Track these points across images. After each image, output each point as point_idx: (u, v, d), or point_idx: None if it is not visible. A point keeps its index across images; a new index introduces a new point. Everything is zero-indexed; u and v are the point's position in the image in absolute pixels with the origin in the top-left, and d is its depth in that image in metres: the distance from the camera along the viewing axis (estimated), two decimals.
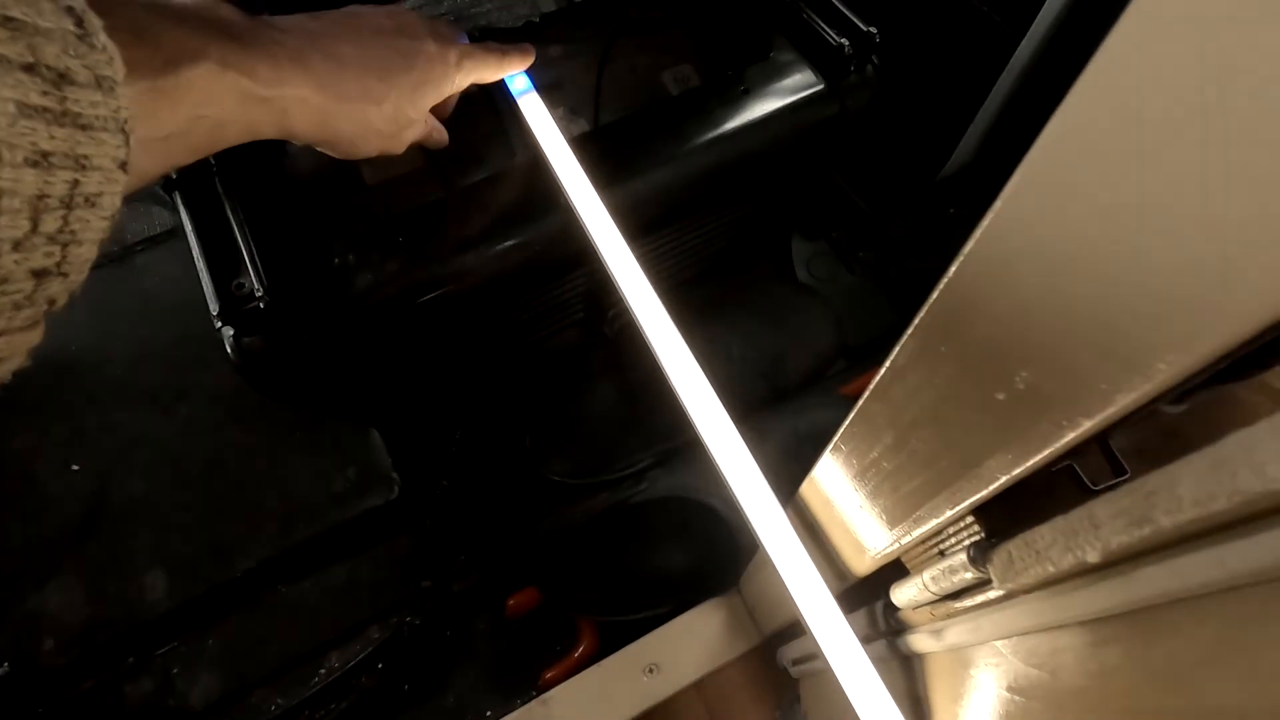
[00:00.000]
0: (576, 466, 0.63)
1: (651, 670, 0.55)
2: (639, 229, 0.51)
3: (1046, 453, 0.18)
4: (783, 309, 0.69)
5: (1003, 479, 0.20)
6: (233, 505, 0.66)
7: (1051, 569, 0.20)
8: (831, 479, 0.32)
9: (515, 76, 0.53)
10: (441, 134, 0.50)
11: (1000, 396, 0.19)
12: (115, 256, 0.79)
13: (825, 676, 0.48)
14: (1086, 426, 0.17)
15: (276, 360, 0.43)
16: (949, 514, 0.23)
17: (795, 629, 0.50)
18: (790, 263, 0.76)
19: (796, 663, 0.52)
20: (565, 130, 0.54)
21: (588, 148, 0.49)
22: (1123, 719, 0.20)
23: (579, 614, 0.60)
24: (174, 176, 0.46)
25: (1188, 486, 0.15)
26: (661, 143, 0.52)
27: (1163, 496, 0.16)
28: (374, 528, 0.66)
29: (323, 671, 0.62)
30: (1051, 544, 0.20)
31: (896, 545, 0.28)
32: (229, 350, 0.43)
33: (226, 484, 0.66)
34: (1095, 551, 0.18)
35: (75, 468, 0.67)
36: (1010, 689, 0.25)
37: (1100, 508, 0.18)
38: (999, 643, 0.25)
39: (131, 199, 0.72)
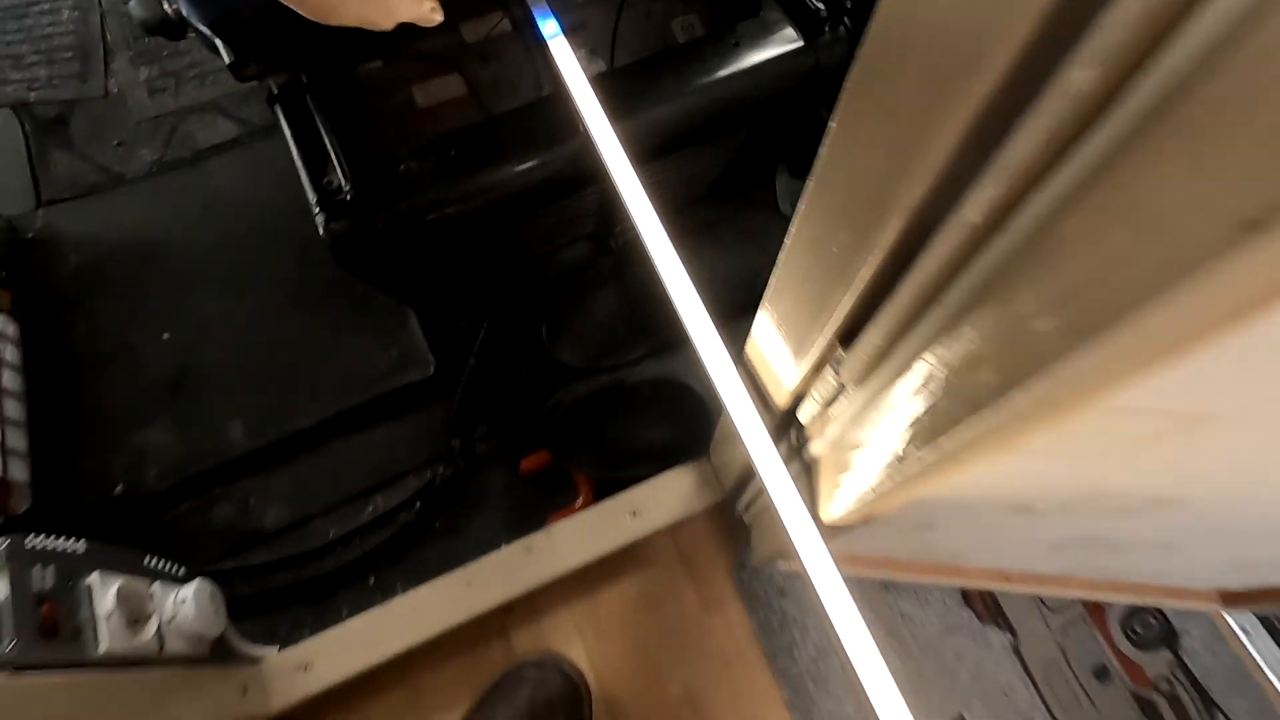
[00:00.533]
0: (583, 354, 0.76)
1: (634, 514, 0.69)
2: (644, 156, 0.62)
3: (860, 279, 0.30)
4: (762, 234, 0.81)
5: (848, 306, 0.32)
6: (295, 373, 0.79)
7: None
8: (763, 334, 0.44)
9: (546, 19, 0.63)
10: (437, 12, 0.51)
11: (834, 250, 0.31)
12: (189, 160, 0.90)
13: (762, 499, 0.62)
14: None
15: (355, 240, 0.56)
16: (822, 343, 0.36)
17: (747, 477, 0.64)
18: (774, 196, 0.87)
19: (748, 506, 0.66)
20: (586, 68, 0.65)
21: (604, 84, 0.60)
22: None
23: (580, 472, 0.75)
24: (275, 90, 0.58)
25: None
26: (666, 84, 0.63)
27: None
28: (413, 398, 0.80)
29: (370, 509, 0.77)
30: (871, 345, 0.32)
31: (799, 377, 0.41)
32: (320, 230, 0.55)
33: (290, 356, 0.80)
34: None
35: (165, 336, 0.80)
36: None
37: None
38: (860, 432, 0.38)
39: (199, 110, 0.85)
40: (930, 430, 0.28)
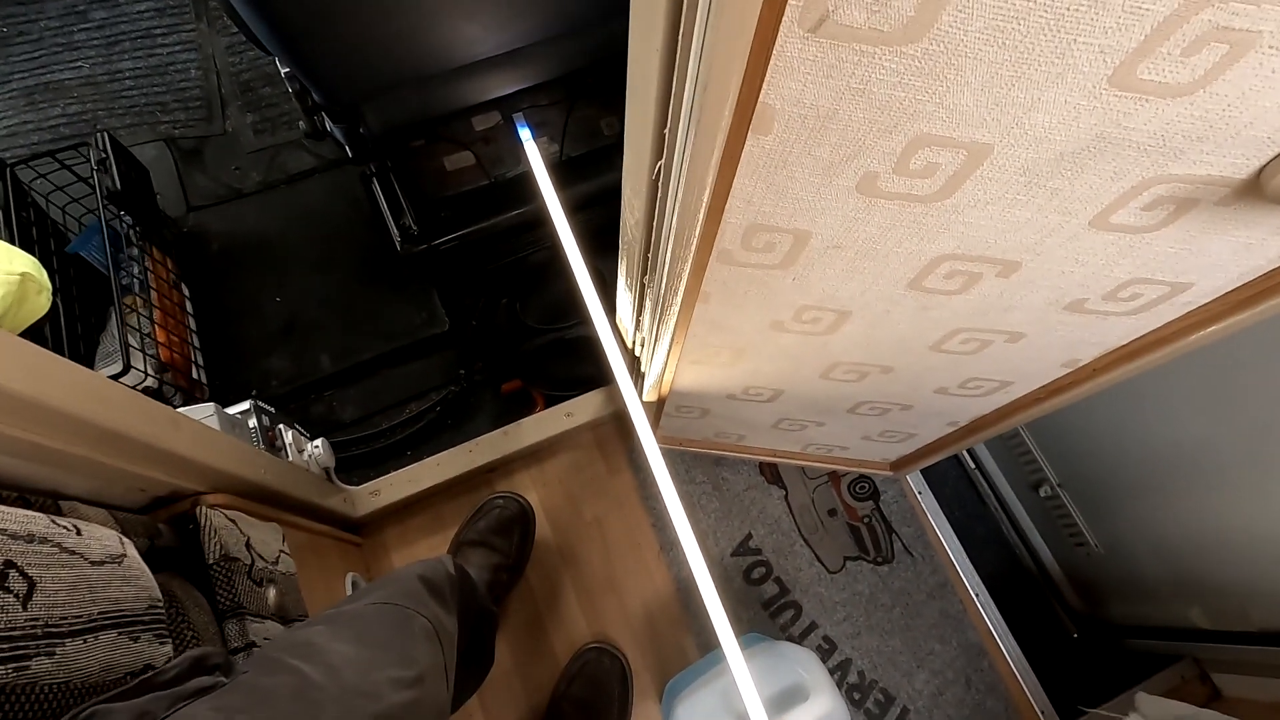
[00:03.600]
0: (541, 319, 1.24)
1: (569, 415, 1.17)
2: (575, 208, 1.10)
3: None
4: None
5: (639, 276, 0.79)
6: (361, 325, 1.26)
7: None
8: (620, 303, 0.92)
9: (523, 128, 1.09)
10: None
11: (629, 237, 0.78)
12: (285, 181, 1.35)
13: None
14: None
15: (419, 255, 1.02)
16: (635, 302, 0.83)
17: None
18: None
19: None
20: (546, 153, 1.12)
21: (557, 167, 1.07)
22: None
23: (537, 391, 1.23)
24: (371, 170, 1.04)
25: None
26: (592, 168, 1.10)
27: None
28: (435, 344, 1.27)
29: (408, 410, 1.24)
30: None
31: (630, 326, 0.89)
32: (398, 248, 1.01)
33: (357, 314, 1.26)
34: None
35: (278, 299, 1.26)
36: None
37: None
38: (644, 353, 0.86)
39: (289, 145, 1.34)
40: (652, 344, 0.77)
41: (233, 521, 0.69)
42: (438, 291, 1.27)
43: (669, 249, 0.57)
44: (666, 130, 0.48)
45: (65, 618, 0.40)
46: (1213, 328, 0.54)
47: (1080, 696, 1.12)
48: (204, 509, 0.66)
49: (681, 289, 0.59)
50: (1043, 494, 1.26)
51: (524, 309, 1.26)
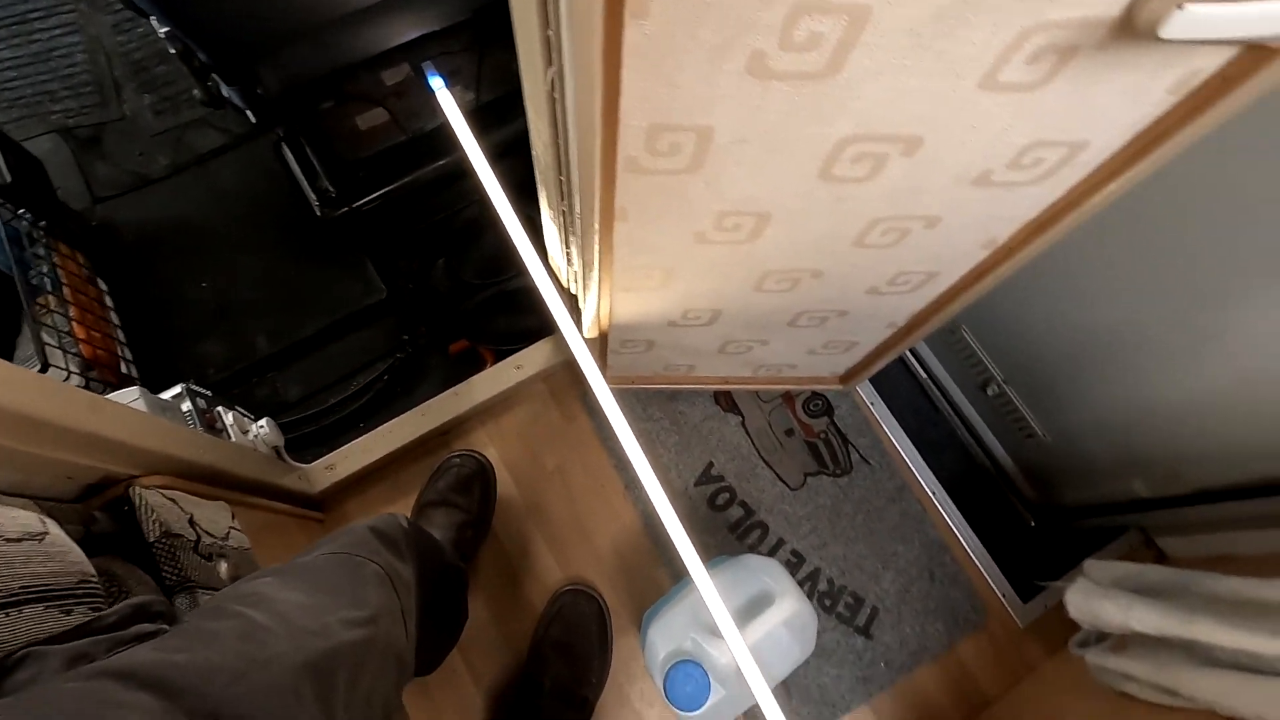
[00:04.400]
0: (479, 275, 1.22)
1: (519, 368, 1.16)
2: (498, 156, 1.07)
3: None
4: None
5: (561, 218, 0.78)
6: (295, 301, 1.22)
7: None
8: (550, 242, 0.91)
9: (434, 76, 1.06)
10: None
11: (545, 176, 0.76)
12: (196, 162, 1.29)
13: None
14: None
15: (340, 220, 0.99)
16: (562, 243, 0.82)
17: None
18: None
19: None
20: (461, 100, 1.08)
21: (474, 114, 1.03)
22: None
23: (485, 348, 1.22)
24: (280, 135, 0.99)
25: None
26: (511, 112, 1.07)
27: None
28: (374, 313, 1.24)
29: (355, 382, 1.22)
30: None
31: (561, 260, 0.88)
32: (318, 214, 0.98)
33: (291, 291, 1.23)
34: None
35: (204, 284, 1.22)
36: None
37: None
38: (577, 286, 0.85)
39: (194, 124, 1.27)
40: (584, 277, 0.76)
41: (172, 500, 0.68)
42: (370, 259, 1.24)
43: (575, 165, 0.55)
44: (550, 33, 0.47)
45: None
46: (1113, 185, 0.56)
47: (1039, 577, 1.18)
48: (138, 489, 0.64)
49: (596, 207, 0.59)
50: (990, 393, 1.30)
51: (461, 266, 1.24)
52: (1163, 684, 0.75)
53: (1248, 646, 0.63)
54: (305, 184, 0.97)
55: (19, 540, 0.44)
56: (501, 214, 0.97)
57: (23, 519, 0.46)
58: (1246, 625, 0.64)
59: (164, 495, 0.67)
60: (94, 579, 0.49)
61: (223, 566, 0.69)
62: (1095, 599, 0.81)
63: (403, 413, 1.14)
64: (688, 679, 0.75)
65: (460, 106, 1.03)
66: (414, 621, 0.65)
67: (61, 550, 0.47)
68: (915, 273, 0.75)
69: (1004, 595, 1.13)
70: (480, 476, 1.09)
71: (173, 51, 0.78)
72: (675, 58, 0.43)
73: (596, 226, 0.62)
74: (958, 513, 1.19)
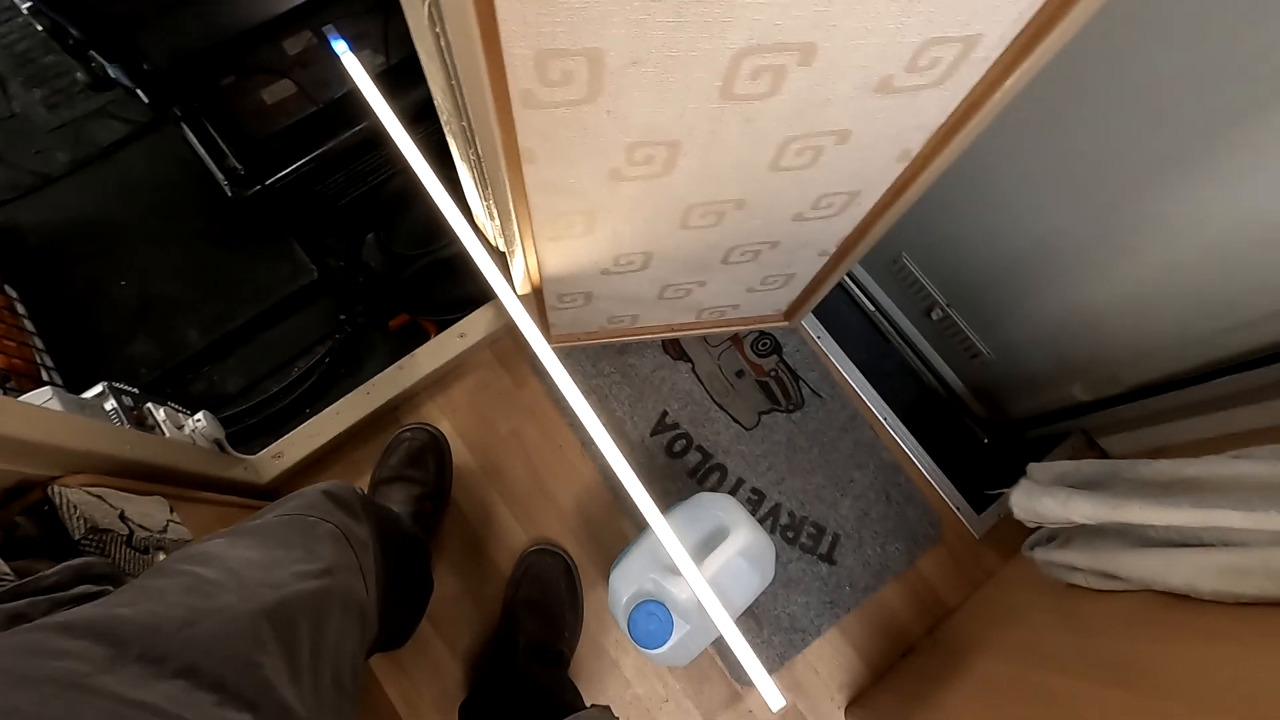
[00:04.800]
0: (412, 245, 1.19)
1: (462, 336, 1.14)
2: (414, 118, 1.04)
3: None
4: None
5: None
6: (225, 291, 1.18)
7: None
8: (466, 184, 0.89)
9: (337, 40, 1.01)
10: None
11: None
12: (99, 156, 1.23)
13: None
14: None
15: (253, 198, 0.95)
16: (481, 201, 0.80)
17: None
18: None
19: None
20: (371, 64, 1.04)
21: (384, 77, 1.00)
22: None
23: (427, 320, 1.19)
24: (179, 114, 0.94)
25: None
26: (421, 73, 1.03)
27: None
28: (308, 295, 1.21)
29: (296, 368, 1.19)
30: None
31: (486, 221, 0.86)
32: (229, 194, 0.94)
33: (218, 281, 1.19)
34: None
35: (123, 283, 1.17)
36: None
37: None
38: (504, 242, 0.83)
39: (93, 116, 1.21)
40: (506, 229, 0.74)
41: (98, 497, 0.65)
42: (297, 240, 1.20)
43: (471, 105, 0.54)
44: None
45: None
46: (1010, 80, 0.56)
47: (992, 489, 1.22)
48: (56, 488, 0.62)
49: (499, 148, 0.57)
50: (935, 318, 1.32)
51: (391, 238, 1.20)
52: (1103, 569, 0.79)
53: (1173, 521, 0.66)
54: (212, 165, 0.93)
55: None
56: (421, 176, 0.95)
57: None
58: (1171, 502, 0.66)
59: (88, 493, 0.65)
60: (10, 576, 0.47)
61: (160, 558, 0.67)
62: (1036, 497, 0.83)
63: (347, 393, 1.11)
64: (650, 617, 0.76)
65: (369, 70, 0.99)
66: (374, 581, 0.64)
67: None
68: (837, 194, 0.75)
69: (958, 509, 1.17)
70: (433, 448, 1.07)
71: (40, 29, 0.73)
72: None
73: (504, 169, 0.60)
74: (909, 434, 1.21)
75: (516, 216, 0.69)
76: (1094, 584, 0.83)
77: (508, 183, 0.62)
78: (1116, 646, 0.74)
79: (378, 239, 1.20)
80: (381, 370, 1.16)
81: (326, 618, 0.49)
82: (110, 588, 0.44)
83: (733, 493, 1.12)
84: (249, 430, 1.14)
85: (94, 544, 0.60)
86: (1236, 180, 0.73)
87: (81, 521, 0.61)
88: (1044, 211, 0.98)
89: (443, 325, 1.18)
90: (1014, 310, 1.16)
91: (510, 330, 1.18)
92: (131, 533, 0.65)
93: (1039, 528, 0.95)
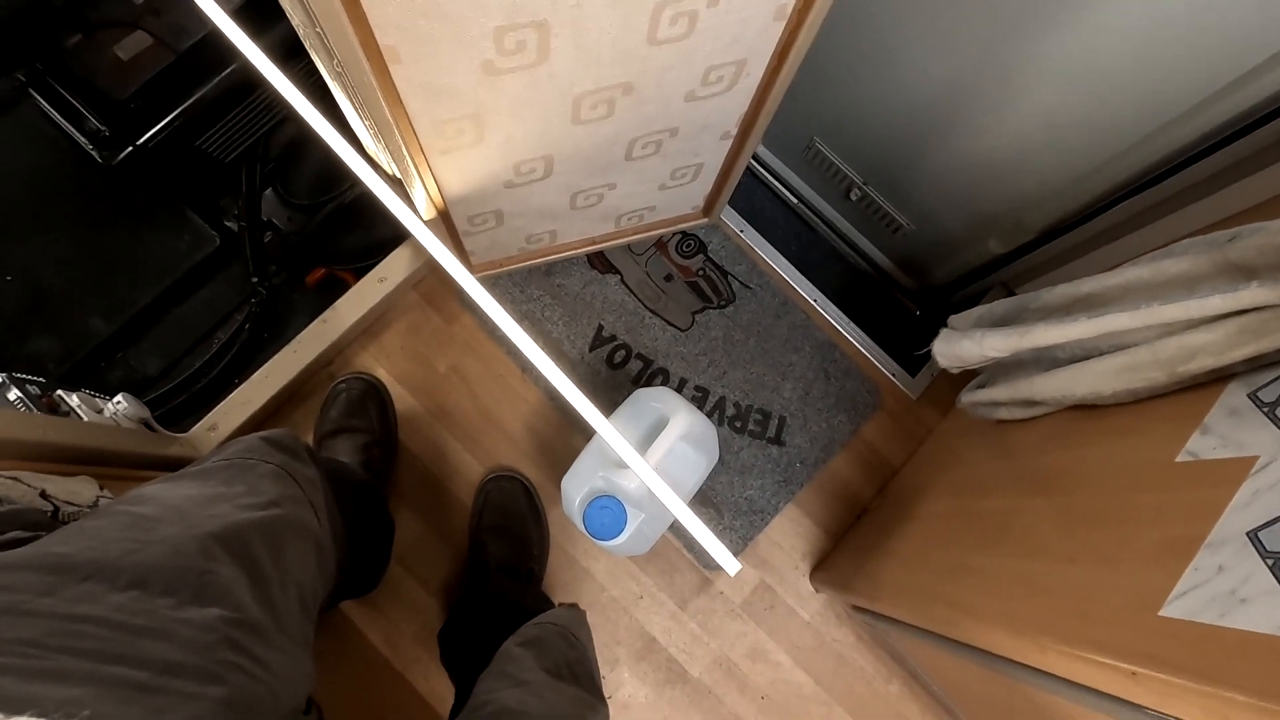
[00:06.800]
0: (314, 193, 1.14)
1: (382, 280, 1.12)
2: (287, 55, 0.98)
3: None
4: None
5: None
6: (124, 272, 1.12)
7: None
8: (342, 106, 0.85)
9: None
10: None
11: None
12: None
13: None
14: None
15: (126, 161, 0.90)
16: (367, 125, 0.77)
17: None
18: None
19: None
20: (228, 5, 0.97)
21: (244, 11, 0.93)
22: None
23: (344, 270, 1.16)
24: (23, 80, 0.87)
25: None
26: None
27: None
28: (214, 263, 1.16)
29: (216, 340, 1.15)
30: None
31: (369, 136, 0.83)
32: (99, 161, 0.88)
33: (113, 262, 1.12)
34: None
35: (9, 278, 1.10)
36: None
37: None
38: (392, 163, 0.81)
39: None
40: (390, 145, 0.72)
41: (13, 479, 0.63)
42: (190, 207, 1.14)
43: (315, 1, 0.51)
44: None
45: None
46: None
47: (921, 350, 1.26)
48: None
49: (357, 47, 0.54)
50: (854, 198, 1.34)
51: (290, 190, 1.15)
52: (1022, 397, 0.83)
53: (1073, 336, 0.70)
54: (75, 131, 0.87)
55: None
56: (302, 113, 0.90)
57: None
58: (1070, 319, 0.70)
59: (2, 475, 0.63)
60: None
61: None
62: (956, 342, 0.87)
63: (275, 356, 1.09)
64: (603, 511, 0.78)
65: (226, 6, 0.93)
66: (327, 518, 0.63)
67: None
68: (724, 65, 0.74)
69: (894, 375, 1.21)
70: (372, 394, 1.06)
71: None
72: None
73: (369, 74, 0.58)
74: (840, 312, 1.24)
75: (398, 129, 0.67)
76: (1017, 414, 0.88)
77: (377, 88, 0.60)
78: (1038, 462, 0.79)
79: (276, 193, 1.15)
80: (306, 326, 1.13)
81: (280, 541, 0.49)
82: (45, 534, 0.43)
83: (677, 391, 1.14)
84: (180, 408, 1.11)
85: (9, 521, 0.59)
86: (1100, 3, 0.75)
87: None
88: (929, 68, 0.99)
89: (360, 274, 1.15)
90: (924, 175, 1.18)
91: (433, 268, 1.16)
92: (57, 509, 0.64)
93: (972, 377, 0.99)
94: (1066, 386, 0.75)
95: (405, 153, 0.71)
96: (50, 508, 0.63)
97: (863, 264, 1.48)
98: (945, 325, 1.04)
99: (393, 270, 1.12)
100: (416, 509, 1.09)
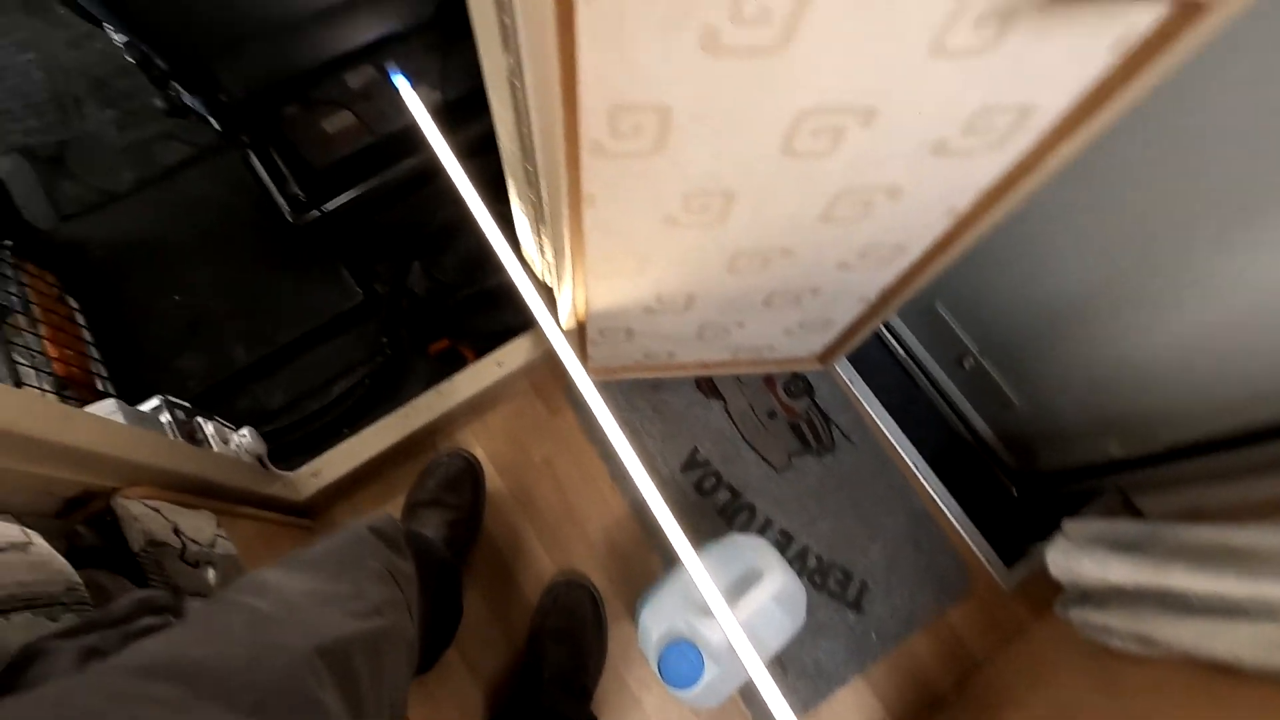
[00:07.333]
0: (457, 276, 1.22)
1: (500, 364, 1.17)
2: (469, 153, 1.07)
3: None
4: None
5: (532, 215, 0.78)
6: (273, 310, 1.22)
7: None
8: (523, 239, 0.91)
9: (396, 75, 1.06)
10: None
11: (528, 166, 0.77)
12: (162, 176, 1.28)
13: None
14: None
15: (312, 225, 0.99)
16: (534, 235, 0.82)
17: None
18: None
19: None
20: (428, 99, 1.08)
21: (441, 112, 1.03)
22: None
23: (466, 347, 1.22)
24: (247, 141, 0.99)
25: None
26: (481, 108, 1.07)
27: None
28: (352, 318, 1.24)
29: (336, 388, 1.22)
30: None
31: (536, 256, 0.88)
32: (289, 220, 0.98)
33: (267, 299, 1.22)
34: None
35: (176, 298, 1.21)
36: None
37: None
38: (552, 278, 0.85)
39: (159, 138, 1.28)
40: (558, 266, 0.77)
41: (155, 510, 0.67)
42: (345, 264, 1.24)
43: (541, 151, 0.56)
44: (506, 18, 0.47)
45: None
46: (1064, 147, 0.57)
47: (1023, 543, 1.20)
48: (120, 500, 0.64)
49: (563, 192, 0.59)
50: (966, 366, 1.32)
51: (438, 267, 1.24)
52: (1141, 633, 0.77)
53: (1218, 590, 0.65)
54: (275, 190, 0.97)
55: (2, 550, 0.44)
56: (473, 209, 0.98)
57: (7, 532, 0.46)
58: (1216, 570, 0.66)
59: (147, 506, 0.67)
60: (81, 588, 0.49)
61: (210, 573, 0.69)
62: (1074, 556, 0.83)
63: (385, 415, 1.13)
64: (681, 658, 0.76)
65: (427, 105, 1.04)
66: (417, 611, 0.66)
67: (45, 560, 0.47)
68: (883, 245, 0.76)
69: (989, 561, 1.16)
70: (469, 473, 1.09)
71: (131, 60, 0.78)
72: (628, 34, 0.44)
73: (565, 213, 0.63)
74: (940, 483, 1.21)
75: (571, 255, 0.71)
76: (1131, 648, 0.82)
77: (567, 224, 0.65)
78: (1149, 710, 0.72)
79: (424, 266, 1.23)
80: (420, 393, 1.18)
81: (380, 656, 0.51)
82: (171, 618, 0.46)
83: (761, 533, 1.12)
84: (289, 446, 1.17)
85: (150, 557, 0.62)
86: None
87: (140, 534, 0.63)
88: (1081, 263, 0.98)
89: (481, 352, 1.20)
90: (1048, 361, 1.16)
91: (546, 360, 1.20)
92: (184, 547, 0.67)
93: (1073, 585, 0.93)
94: (1200, 640, 0.69)
95: (569, 273, 0.76)
96: (179, 545, 0.67)
97: (964, 431, 1.45)
98: (1058, 529, 1.00)
99: (511, 357, 1.17)
100: (482, 592, 1.09)
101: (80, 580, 0.50)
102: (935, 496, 1.19)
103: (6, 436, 0.56)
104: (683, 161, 0.57)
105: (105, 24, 0.74)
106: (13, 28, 1.31)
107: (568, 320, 0.90)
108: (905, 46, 0.46)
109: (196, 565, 0.67)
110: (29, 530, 0.49)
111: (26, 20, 1.32)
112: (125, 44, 0.77)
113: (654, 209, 0.65)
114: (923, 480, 1.20)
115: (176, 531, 0.68)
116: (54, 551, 0.49)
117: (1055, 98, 0.53)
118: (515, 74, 0.52)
